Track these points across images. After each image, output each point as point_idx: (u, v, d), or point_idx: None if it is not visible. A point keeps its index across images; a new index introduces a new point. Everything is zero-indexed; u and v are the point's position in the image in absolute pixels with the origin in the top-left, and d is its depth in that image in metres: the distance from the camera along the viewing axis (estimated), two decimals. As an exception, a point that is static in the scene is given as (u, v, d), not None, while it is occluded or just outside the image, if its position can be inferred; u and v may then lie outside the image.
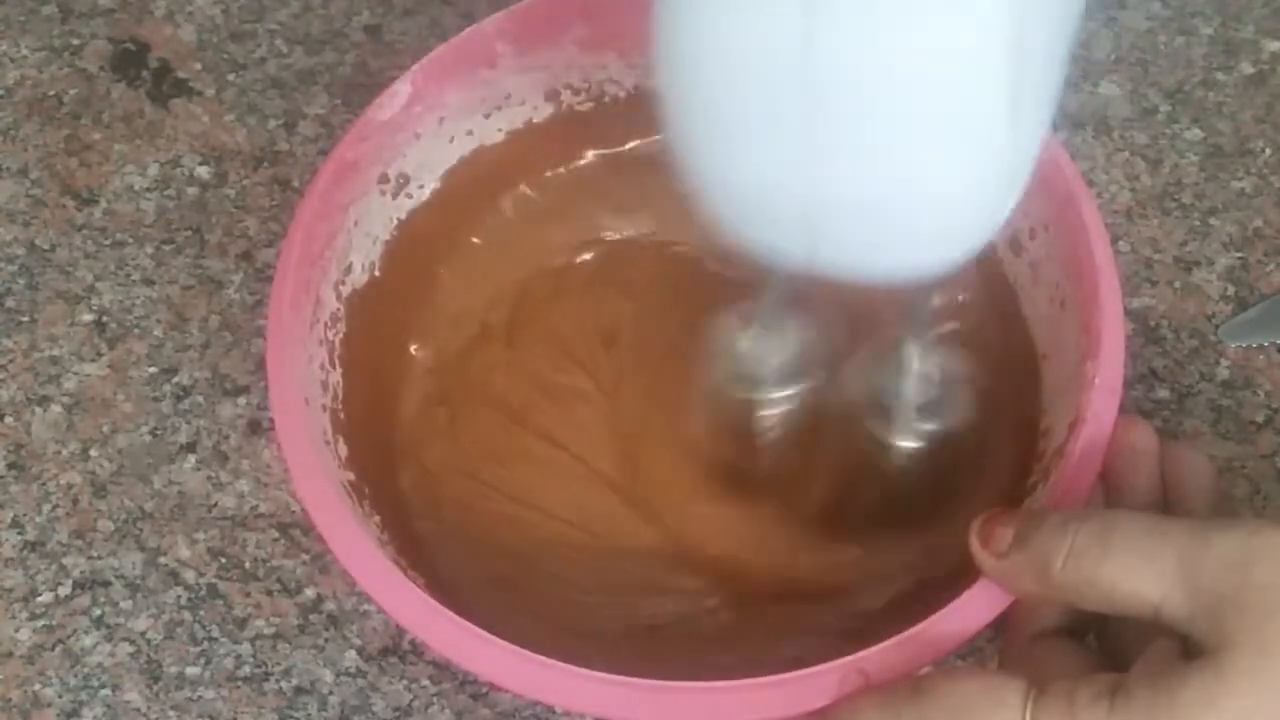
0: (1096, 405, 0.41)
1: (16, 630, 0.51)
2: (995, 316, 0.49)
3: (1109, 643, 0.40)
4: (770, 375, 0.46)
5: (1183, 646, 0.35)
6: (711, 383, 0.47)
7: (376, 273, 0.50)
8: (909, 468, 0.46)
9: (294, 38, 0.64)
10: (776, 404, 0.47)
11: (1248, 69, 0.61)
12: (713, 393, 0.47)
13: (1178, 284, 0.56)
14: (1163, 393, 0.54)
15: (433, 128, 0.50)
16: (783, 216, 0.34)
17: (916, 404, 0.45)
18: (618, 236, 0.54)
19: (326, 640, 0.50)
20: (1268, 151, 0.59)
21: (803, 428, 0.47)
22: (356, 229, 0.48)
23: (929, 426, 0.45)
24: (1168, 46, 0.62)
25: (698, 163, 0.34)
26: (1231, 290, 0.56)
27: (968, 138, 0.31)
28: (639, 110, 0.49)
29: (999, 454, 0.47)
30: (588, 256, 0.54)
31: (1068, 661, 0.39)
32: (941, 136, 0.31)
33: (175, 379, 0.56)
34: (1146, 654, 0.36)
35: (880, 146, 0.31)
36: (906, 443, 0.45)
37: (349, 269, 0.48)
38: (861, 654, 0.37)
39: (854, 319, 0.47)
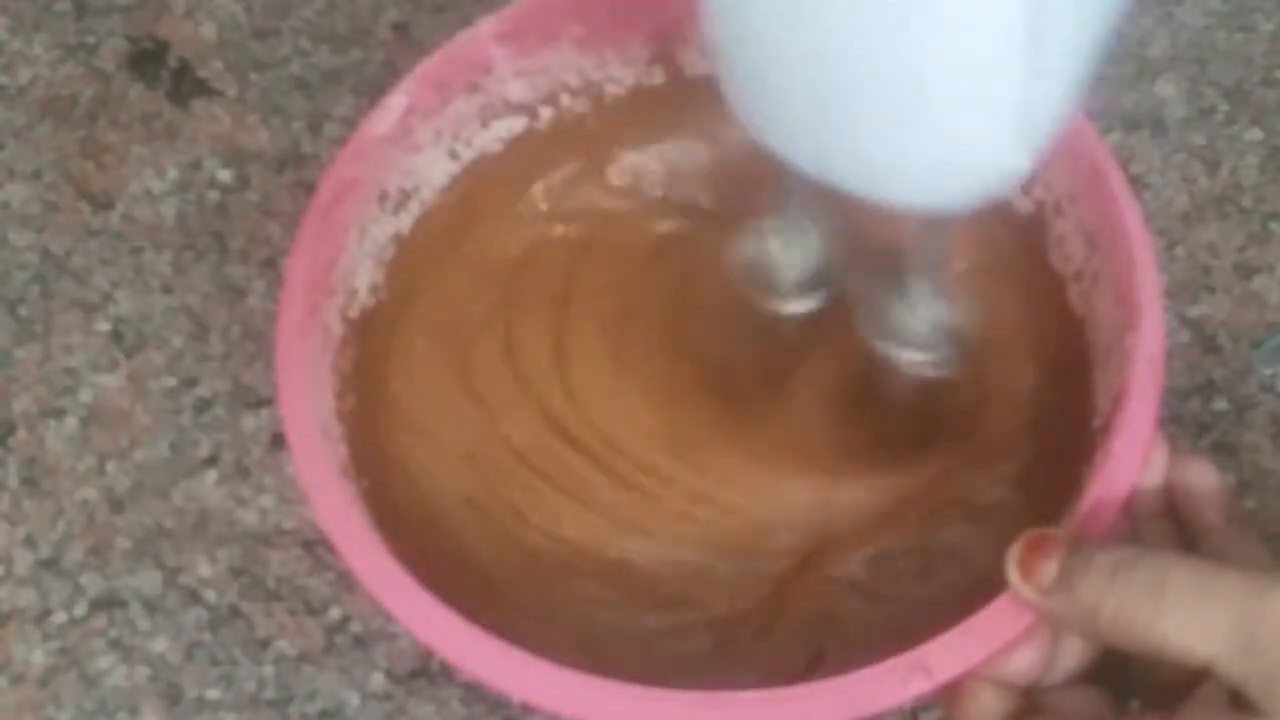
0: (1140, 376, 0.41)
1: (30, 652, 0.51)
2: (1037, 297, 0.49)
3: (1140, 676, 0.40)
4: (788, 285, 0.47)
5: (1231, 695, 0.35)
6: (729, 289, 0.47)
7: (382, 294, 0.49)
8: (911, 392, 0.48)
9: (319, 36, 0.64)
10: (793, 315, 0.47)
11: (1309, 66, 0.62)
12: (729, 302, 0.48)
13: (1236, 291, 0.56)
14: (1221, 404, 0.54)
15: (430, 140, 0.50)
16: (793, 122, 0.36)
17: (915, 335, 0.46)
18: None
19: (353, 662, 0.51)
20: (1330, 153, 0.60)
21: (817, 339, 0.49)
22: (359, 249, 0.48)
23: (923, 357, 0.47)
24: (1226, 43, 0.62)
25: (719, 48, 0.36)
26: (1294, 298, 0.56)
27: (974, 73, 0.32)
28: (638, 109, 0.51)
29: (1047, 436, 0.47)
30: (594, 265, 0.54)
31: (1091, 712, 0.39)
32: (947, 65, 0.32)
33: (195, 391, 0.56)
34: (1192, 701, 0.36)
35: (883, 69, 0.33)
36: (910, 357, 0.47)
37: (354, 292, 0.48)
38: (923, 648, 0.37)
39: (867, 242, 0.47)
